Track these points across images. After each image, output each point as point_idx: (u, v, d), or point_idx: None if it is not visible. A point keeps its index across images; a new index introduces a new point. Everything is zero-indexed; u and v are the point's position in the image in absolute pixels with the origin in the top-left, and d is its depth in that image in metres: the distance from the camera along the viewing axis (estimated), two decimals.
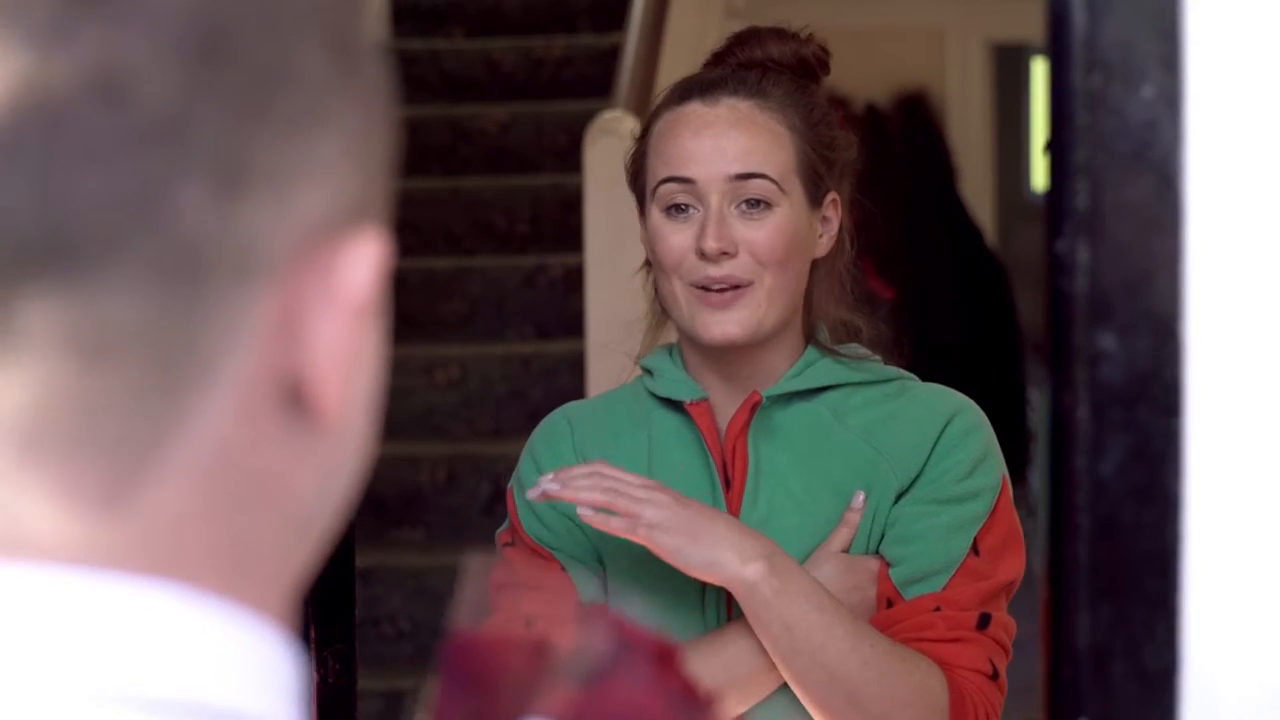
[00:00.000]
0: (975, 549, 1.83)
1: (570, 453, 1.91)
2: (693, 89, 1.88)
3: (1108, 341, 1.08)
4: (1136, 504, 1.08)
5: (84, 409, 0.58)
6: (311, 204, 0.61)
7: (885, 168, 4.86)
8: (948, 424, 1.85)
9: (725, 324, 1.82)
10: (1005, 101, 8.10)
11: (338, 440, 0.63)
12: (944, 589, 1.82)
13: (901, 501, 1.83)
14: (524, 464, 1.94)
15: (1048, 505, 1.13)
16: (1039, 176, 8.28)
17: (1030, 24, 6.78)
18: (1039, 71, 8.53)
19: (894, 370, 1.92)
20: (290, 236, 0.60)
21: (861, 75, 5.55)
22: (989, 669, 1.81)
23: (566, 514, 1.87)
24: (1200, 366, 1.08)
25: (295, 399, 0.61)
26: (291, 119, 0.60)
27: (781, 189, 1.83)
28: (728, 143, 1.84)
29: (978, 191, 6.74)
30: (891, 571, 1.83)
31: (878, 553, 1.84)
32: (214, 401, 0.59)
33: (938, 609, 1.81)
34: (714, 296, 1.82)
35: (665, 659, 0.74)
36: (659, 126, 1.89)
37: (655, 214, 1.86)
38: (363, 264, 0.62)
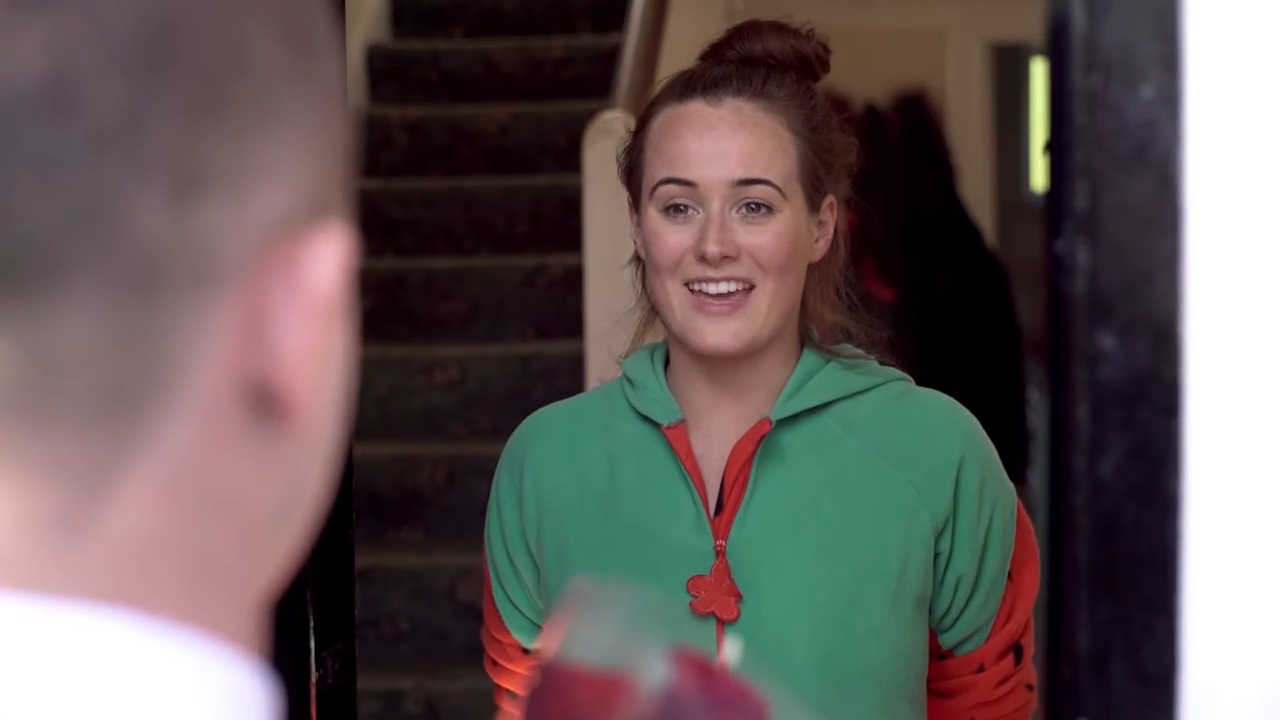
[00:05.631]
0: (1009, 574, 1.87)
1: (518, 474, 1.90)
2: (695, 86, 1.82)
3: (1107, 342, 1.08)
4: (1136, 504, 1.08)
5: (39, 432, 0.55)
6: (270, 202, 0.58)
7: (885, 168, 4.85)
8: (964, 451, 1.83)
9: (720, 334, 1.77)
10: (1005, 101, 8.10)
11: (304, 444, 0.61)
12: (986, 640, 1.87)
13: (949, 564, 1.84)
14: (497, 479, 1.93)
15: (1048, 505, 1.13)
16: (1039, 176, 8.28)
17: (1030, 24, 6.78)
18: (1039, 71, 8.53)
19: (891, 371, 1.89)
20: (250, 237, 0.57)
21: (861, 75, 5.54)
22: (1025, 694, 1.90)
23: (520, 570, 1.88)
24: (1200, 366, 1.08)
25: (261, 404, 0.59)
26: (246, 114, 0.57)
27: (783, 194, 1.79)
28: (731, 146, 1.78)
29: (978, 191, 6.74)
30: (943, 637, 1.87)
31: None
32: (175, 416, 0.57)
33: (981, 669, 1.87)
34: (712, 304, 1.78)
35: (753, 716, 0.72)
36: (658, 123, 1.83)
37: (652, 213, 1.81)
38: (327, 260, 0.59)
